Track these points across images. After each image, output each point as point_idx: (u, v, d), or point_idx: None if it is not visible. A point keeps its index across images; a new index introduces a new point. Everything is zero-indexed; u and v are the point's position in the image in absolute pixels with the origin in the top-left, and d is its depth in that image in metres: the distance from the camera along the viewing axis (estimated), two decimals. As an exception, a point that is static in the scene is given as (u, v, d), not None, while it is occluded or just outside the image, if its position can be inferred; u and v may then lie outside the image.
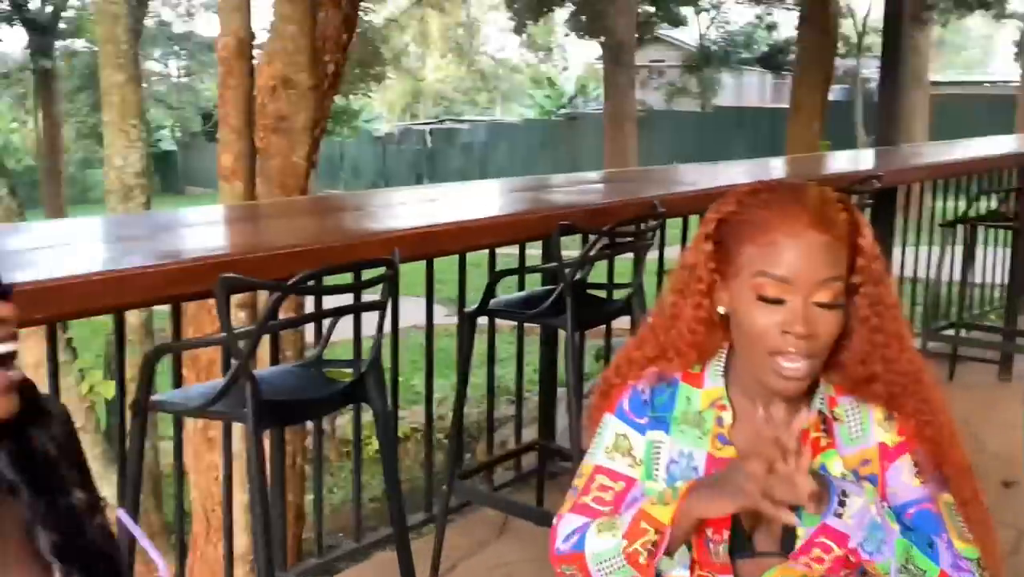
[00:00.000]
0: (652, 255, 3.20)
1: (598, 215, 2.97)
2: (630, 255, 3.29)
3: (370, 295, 2.57)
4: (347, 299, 2.51)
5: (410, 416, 4.83)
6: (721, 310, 1.54)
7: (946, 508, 1.54)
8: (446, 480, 3.08)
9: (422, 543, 3.23)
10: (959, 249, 5.02)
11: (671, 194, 3.33)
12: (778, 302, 1.43)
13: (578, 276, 2.98)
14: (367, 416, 2.57)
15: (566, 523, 1.57)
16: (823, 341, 1.45)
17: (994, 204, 5.26)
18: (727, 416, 1.56)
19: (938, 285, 4.78)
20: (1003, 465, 3.79)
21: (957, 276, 5.15)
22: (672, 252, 4.68)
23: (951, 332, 5.10)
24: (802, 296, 1.43)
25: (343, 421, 4.49)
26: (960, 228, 4.91)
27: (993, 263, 5.83)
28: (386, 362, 3.68)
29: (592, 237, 2.84)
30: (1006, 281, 5.47)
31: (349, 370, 3.60)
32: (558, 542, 1.56)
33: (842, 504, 1.43)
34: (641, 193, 3.44)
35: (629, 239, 3.12)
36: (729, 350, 1.58)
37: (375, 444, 4.34)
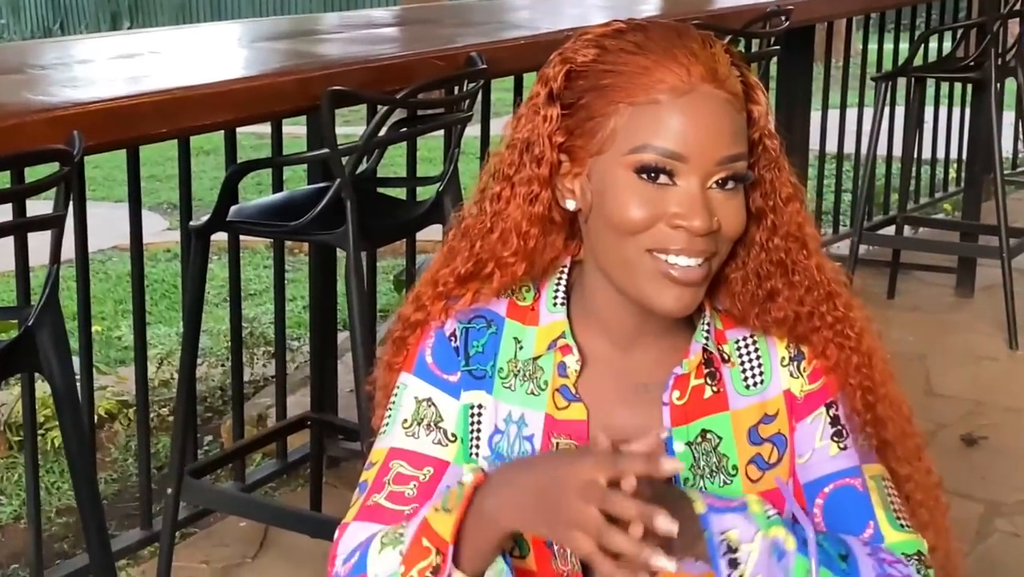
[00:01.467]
0: (470, 132, 3.18)
1: (389, 75, 2.91)
2: (438, 134, 3.28)
3: (39, 204, 2.44)
4: (2, 213, 2.42)
5: (116, 384, 4.71)
6: (571, 205, 1.53)
7: (875, 484, 1.58)
8: (172, 479, 3.03)
9: (138, 573, 3.21)
10: (900, 112, 5.21)
11: (496, 42, 3.30)
12: (666, 180, 1.45)
13: (362, 167, 2.95)
14: (46, 387, 2.49)
15: (350, 536, 1.56)
16: (726, 240, 1.48)
17: (946, 47, 5.48)
18: (572, 361, 1.56)
19: (872, 164, 4.95)
20: (964, 415, 4.01)
21: (898, 151, 5.36)
22: (497, 128, 4.68)
23: (891, 231, 5.30)
24: (698, 177, 1.44)
25: (8, 397, 4.34)
26: (902, 82, 5.08)
27: (947, 131, 6.08)
28: (71, 306, 3.61)
29: (380, 109, 2.79)
30: (964, 156, 5.74)
31: (13, 321, 3.52)
32: (337, 565, 1.55)
33: (734, 564, 1.42)
34: (452, 42, 3.40)
35: (436, 110, 3.10)
36: (571, 269, 1.59)
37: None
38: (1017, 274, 4.67)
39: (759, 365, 1.59)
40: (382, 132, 2.81)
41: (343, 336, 3.99)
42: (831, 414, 1.59)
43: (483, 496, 1.41)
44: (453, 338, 1.59)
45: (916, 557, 1.54)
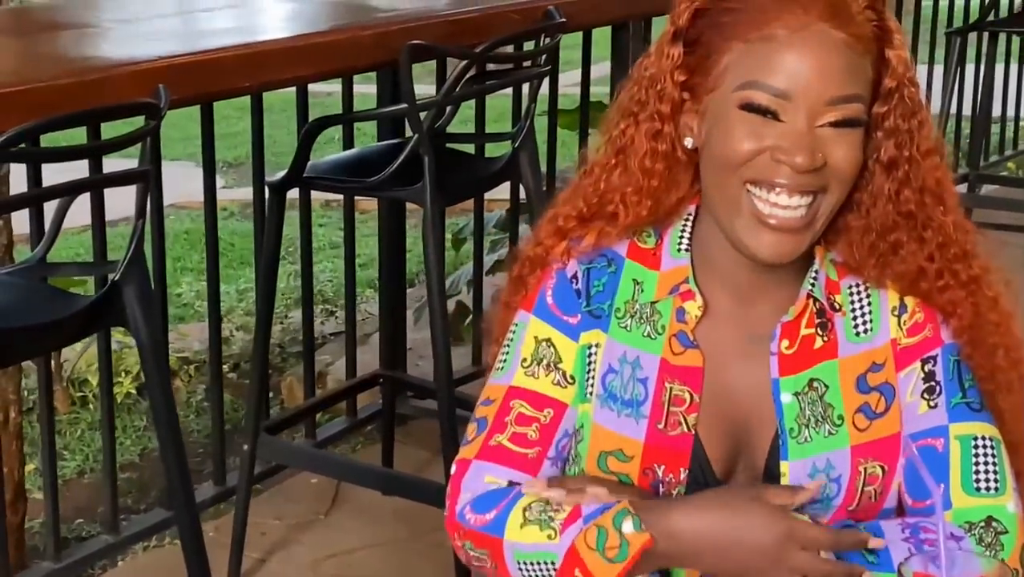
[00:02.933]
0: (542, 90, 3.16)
1: (466, 29, 2.93)
2: (505, 91, 3.27)
3: (116, 161, 2.47)
4: (83, 168, 2.43)
5: (177, 341, 4.76)
6: (689, 143, 1.54)
7: (961, 445, 1.56)
8: (246, 435, 3.06)
9: (212, 528, 3.23)
10: (970, 68, 5.16)
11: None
12: (772, 116, 1.45)
13: (436, 125, 2.94)
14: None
15: (473, 476, 1.57)
16: (836, 179, 1.47)
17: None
18: (693, 307, 1.57)
19: (944, 121, 4.90)
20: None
21: (966, 110, 5.31)
22: (566, 81, 4.64)
23: (963, 189, 5.26)
24: (805, 116, 1.44)
25: (70, 353, 4.39)
26: (972, 36, 5.03)
27: (1017, 88, 6.01)
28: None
29: (456, 64, 2.79)
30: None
31: (86, 278, 3.55)
32: (462, 505, 1.55)
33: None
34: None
35: (511, 66, 3.10)
36: (697, 213, 1.59)
37: (124, 384, 4.27)
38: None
39: (870, 312, 1.59)
40: (458, 87, 2.81)
41: (410, 292, 4.02)
42: (926, 370, 1.58)
43: (655, 557, 1.45)
44: (575, 280, 1.61)
45: (982, 524, 1.53)
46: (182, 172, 5.75)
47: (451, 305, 3.91)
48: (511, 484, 1.55)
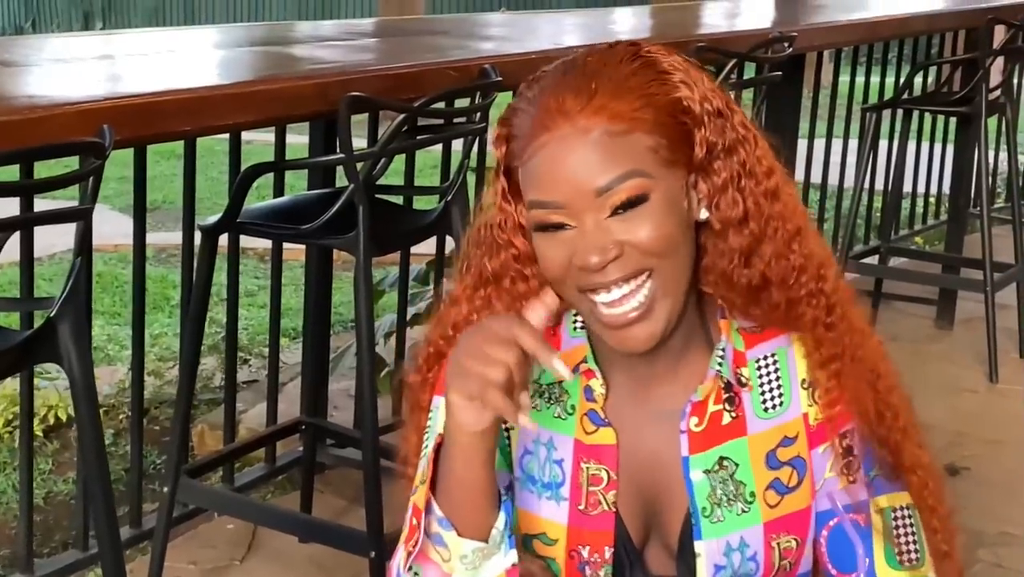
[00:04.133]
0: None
1: (404, 83, 2.95)
2: (439, 147, 3.27)
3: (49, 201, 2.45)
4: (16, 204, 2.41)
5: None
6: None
7: (882, 519, 1.60)
8: (165, 478, 3.05)
9: (127, 572, 3.17)
10: (883, 144, 5.28)
11: (508, 56, 3.33)
12: (559, 227, 1.47)
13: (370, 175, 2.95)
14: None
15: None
16: (652, 256, 1.46)
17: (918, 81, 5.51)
18: (597, 385, 1.59)
19: (858, 194, 5.01)
20: (946, 446, 4.07)
21: (878, 184, 5.44)
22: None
23: (874, 260, 5.38)
24: (587, 215, 1.45)
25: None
26: (887, 113, 5.15)
27: (928, 165, 6.18)
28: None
29: (390, 118, 2.82)
30: (946, 191, 5.80)
31: (11, 314, 3.51)
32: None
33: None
34: (457, 52, 3.44)
35: (442, 120, 3.13)
36: None
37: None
38: (998, 308, 4.74)
39: (779, 387, 1.59)
40: (393, 140, 2.83)
41: (334, 340, 4.00)
42: (843, 445, 1.59)
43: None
44: None
45: None
46: (100, 217, 5.69)
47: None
48: None
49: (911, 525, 1.61)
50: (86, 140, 2.21)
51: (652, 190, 1.45)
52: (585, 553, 1.59)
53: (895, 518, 1.61)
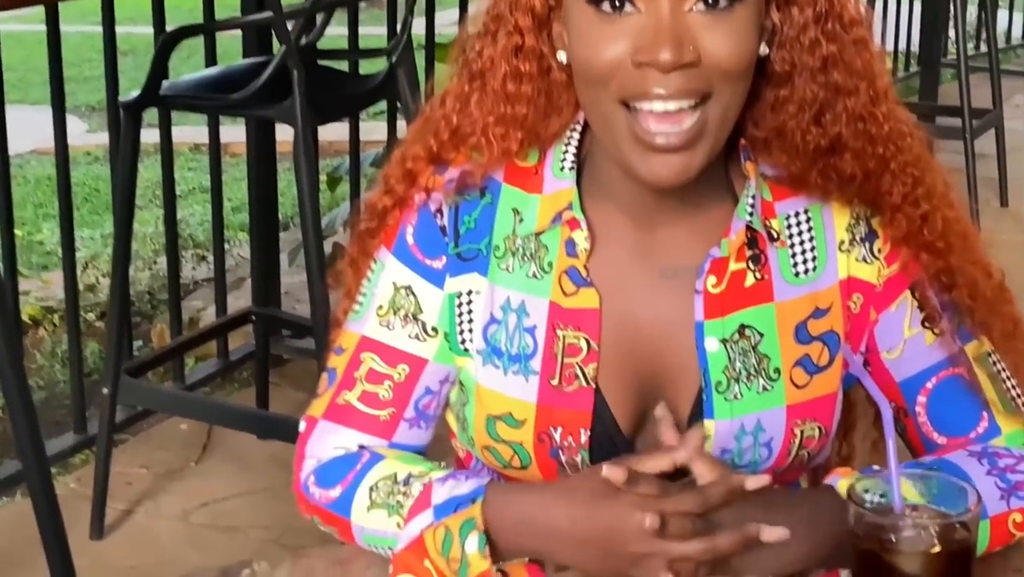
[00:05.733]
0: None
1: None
2: (383, 15, 3.09)
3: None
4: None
5: (40, 290, 4.58)
6: (561, 57, 1.31)
7: (983, 365, 1.38)
8: (107, 379, 2.88)
9: (74, 480, 3.11)
10: None
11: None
12: (629, 9, 1.22)
13: (305, 39, 2.77)
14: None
15: (320, 437, 1.41)
16: (719, 77, 1.23)
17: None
18: (580, 238, 1.35)
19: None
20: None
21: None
22: (448, 21, 4.55)
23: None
24: (667, 1, 1.21)
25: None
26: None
27: (895, 19, 6.06)
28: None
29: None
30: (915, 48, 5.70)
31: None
32: (307, 475, 1.41)
33: None
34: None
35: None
36: (585, 128, 1.36)
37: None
38: (976, 158, 4.61)
39: (812, 248, 1.36)
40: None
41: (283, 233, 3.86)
42: (917, 296, 1.36)
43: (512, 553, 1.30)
44: (439, 215, 1.37)
45: None
46: (44, 118, 5.53)
47: (328, 247, 3.77)
48: (361, 448, 1.39)
49: (1005, 368, 1.39)
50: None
51: None
52: (557, 436, 1.36)
53: (993, 364, 1.39)
